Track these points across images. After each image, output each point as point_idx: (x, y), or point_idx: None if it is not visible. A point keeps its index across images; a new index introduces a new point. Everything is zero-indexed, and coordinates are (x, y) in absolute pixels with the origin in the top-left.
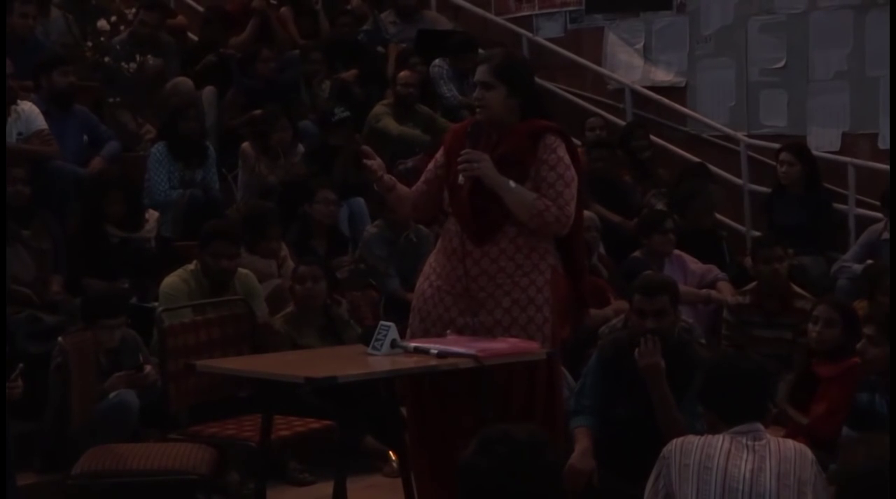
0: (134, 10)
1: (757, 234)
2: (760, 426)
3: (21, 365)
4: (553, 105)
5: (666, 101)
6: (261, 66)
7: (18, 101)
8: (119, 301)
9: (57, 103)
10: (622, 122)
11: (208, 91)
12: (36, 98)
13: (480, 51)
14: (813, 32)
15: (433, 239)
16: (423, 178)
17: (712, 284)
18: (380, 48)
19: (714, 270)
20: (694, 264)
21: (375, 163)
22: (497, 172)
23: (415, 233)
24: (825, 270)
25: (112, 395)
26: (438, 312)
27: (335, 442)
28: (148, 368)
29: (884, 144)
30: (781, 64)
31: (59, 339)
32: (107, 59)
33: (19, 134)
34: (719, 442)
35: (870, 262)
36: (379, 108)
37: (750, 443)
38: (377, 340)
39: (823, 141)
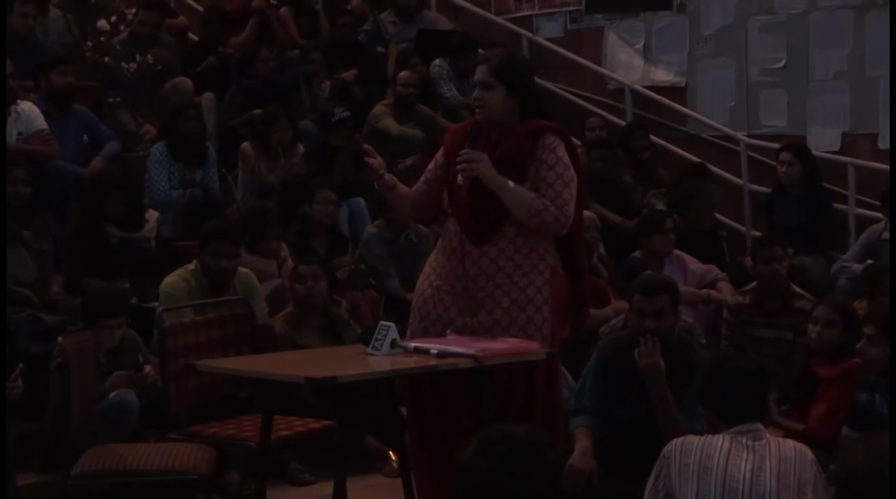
0: (134, 10)
1: (757, 234)
2: (760, 426)
3: (21, 365)
4: (553, 105)
5: (666, 101)
6: (260, 66)
7: (18, 101)
8: (119, 301)
9: (56, 103)
10: (622, 123)
11: (207, 97)
12: (36, 98)
13: (480, 51)
14: (813, 32)
15: (433, 239)
16: (423, 177)
17: (712, 284)
18: (380, 48)
19: (714, 270)
20: (694, 264)
21: (377, 161)
22: (496, 172)
23: (415, 233)
24: (825, 270)
25: (112, 395)
26: (438, 311)
27: (335, 442)
28: (148, 368)
29: (884, 144)
30: (781, 64)
31: (59, 339)
32: (107, 58)
33: (19, 134)
34: (719, 442)
35: (870, 262)
36: (379, 109)
37: (750, 443)
38: (377, 340)
39: (823, 141)
